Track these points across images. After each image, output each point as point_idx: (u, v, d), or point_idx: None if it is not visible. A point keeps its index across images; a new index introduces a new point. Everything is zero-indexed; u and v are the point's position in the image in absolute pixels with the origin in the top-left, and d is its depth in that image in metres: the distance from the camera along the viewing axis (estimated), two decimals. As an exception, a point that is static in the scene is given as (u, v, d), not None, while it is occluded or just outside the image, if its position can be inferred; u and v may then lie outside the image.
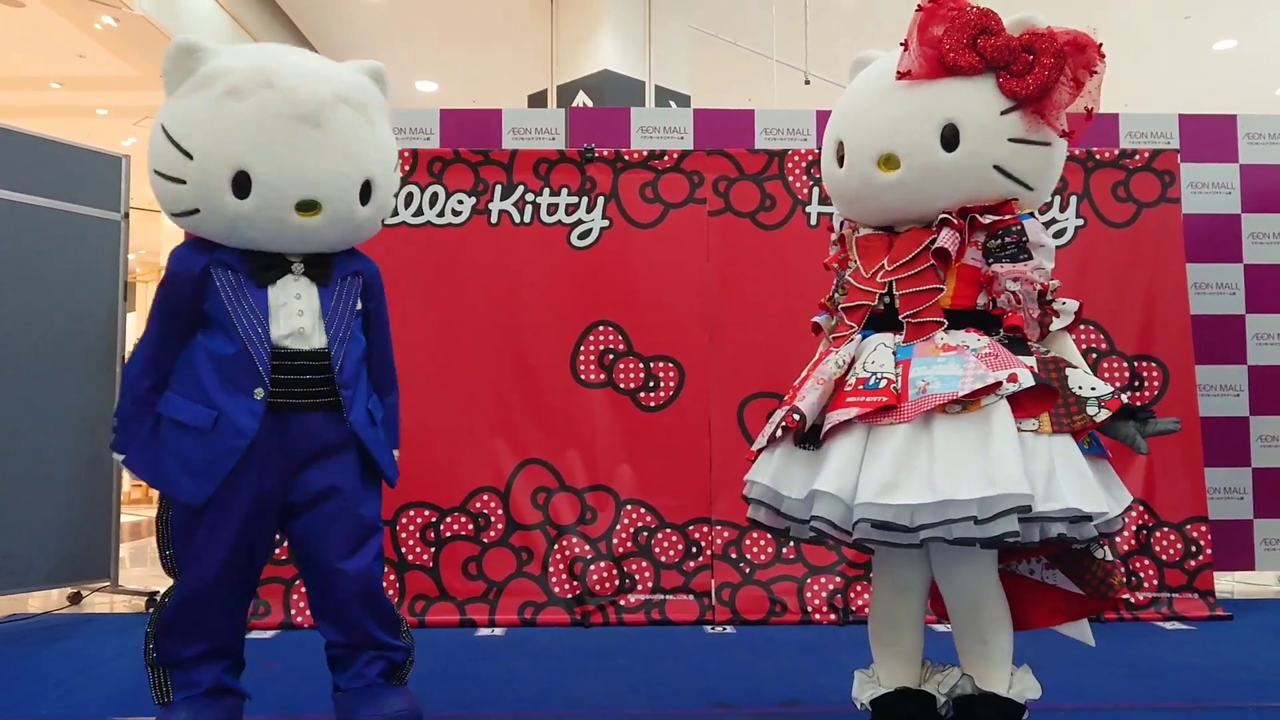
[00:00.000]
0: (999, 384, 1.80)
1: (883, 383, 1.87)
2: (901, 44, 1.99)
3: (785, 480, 1.95)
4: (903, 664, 2.09)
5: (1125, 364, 3.69)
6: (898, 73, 1.98)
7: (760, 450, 2.04)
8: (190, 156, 1.96)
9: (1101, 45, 1.96)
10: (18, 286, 3.64)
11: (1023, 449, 1.78)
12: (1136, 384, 3.69)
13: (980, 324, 1.96)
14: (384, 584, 2.21)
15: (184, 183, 1.97)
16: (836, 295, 2.18)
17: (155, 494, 2.10)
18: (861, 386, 1.90)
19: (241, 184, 1.96)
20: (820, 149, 2.29)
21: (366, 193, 2.09)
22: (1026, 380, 1.81)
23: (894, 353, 1.93)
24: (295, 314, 2.04)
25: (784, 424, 1.91)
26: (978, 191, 1.99)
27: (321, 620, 2.15)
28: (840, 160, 2.11)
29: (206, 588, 2.04)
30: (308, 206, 2.00)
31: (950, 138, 1.95)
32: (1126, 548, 3.56)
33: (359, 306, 2.17)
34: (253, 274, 2.03)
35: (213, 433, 1.96)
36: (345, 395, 2.07)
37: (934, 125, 1.96)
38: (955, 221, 1.97)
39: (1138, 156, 3.77)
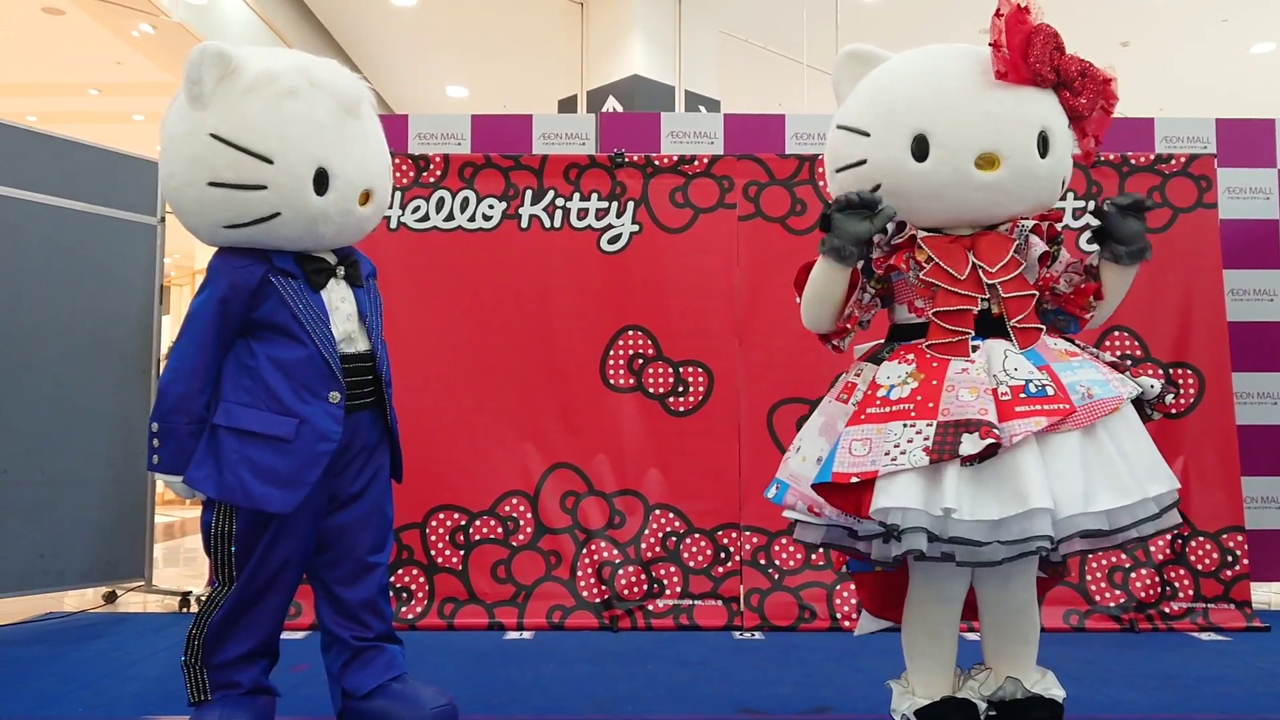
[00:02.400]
0: (1138, 390, 1.92)
1: (1049, 389, 1.85)
2: (992, 44, 1.97)
3: (965, 503, 1.77)
4: (941, 673, 2.07)
5: (1161, 371, 3.64)
6: (997, 72, 1.97)
7: (884, 472, 1.79)
8: (270, 161, 1.94)
9: (1117, 84, 2.04)
10: (55, 290, 3.70)
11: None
12: (1172, 391, 3.64)
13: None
14: None
15: (263, 188, 1.95)
16: (867, 299, 2.09)
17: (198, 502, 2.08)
18: (1023, 395, 1.84)
19: (322, 180, 2.00)
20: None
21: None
22: (1148, 387, 1.95)
23: (1026, 357, 1.92)
24: (345, 318, 2.10)
25: (990, 442, 1.74)
26: (1050, 200, 2.06)
27: (342, 619, 2.17)
28: (921, 154, 1.99)
29: (262, 592, 2.06)
30: (366, 197, 2.09)
31: (1044, 144, 1.98)
32: (1161, 557, 3.52)
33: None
34: (309, 278, 2.06)
35: (296, 440, 1.97)
36: (388, 394, 2.18)
37: (1034, 131, 1.97)
38: (1043, 227, 2.08)
39: (1174, 161, 3.72)
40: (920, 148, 1.98)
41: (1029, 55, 1.95)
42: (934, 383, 1.88)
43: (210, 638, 2.06)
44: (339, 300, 2.10)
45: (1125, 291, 2.07)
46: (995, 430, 1.75)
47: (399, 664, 2.21)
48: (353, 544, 2.15)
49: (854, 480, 1.80)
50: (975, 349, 1.92)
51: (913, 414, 1.84)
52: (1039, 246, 2.04)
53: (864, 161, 2.04)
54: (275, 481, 1.95)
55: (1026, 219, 2.06)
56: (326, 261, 2.10)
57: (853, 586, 3.49)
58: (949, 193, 2.00)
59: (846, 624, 3.43)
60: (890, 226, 2.06)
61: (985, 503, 1.76)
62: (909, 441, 1.80)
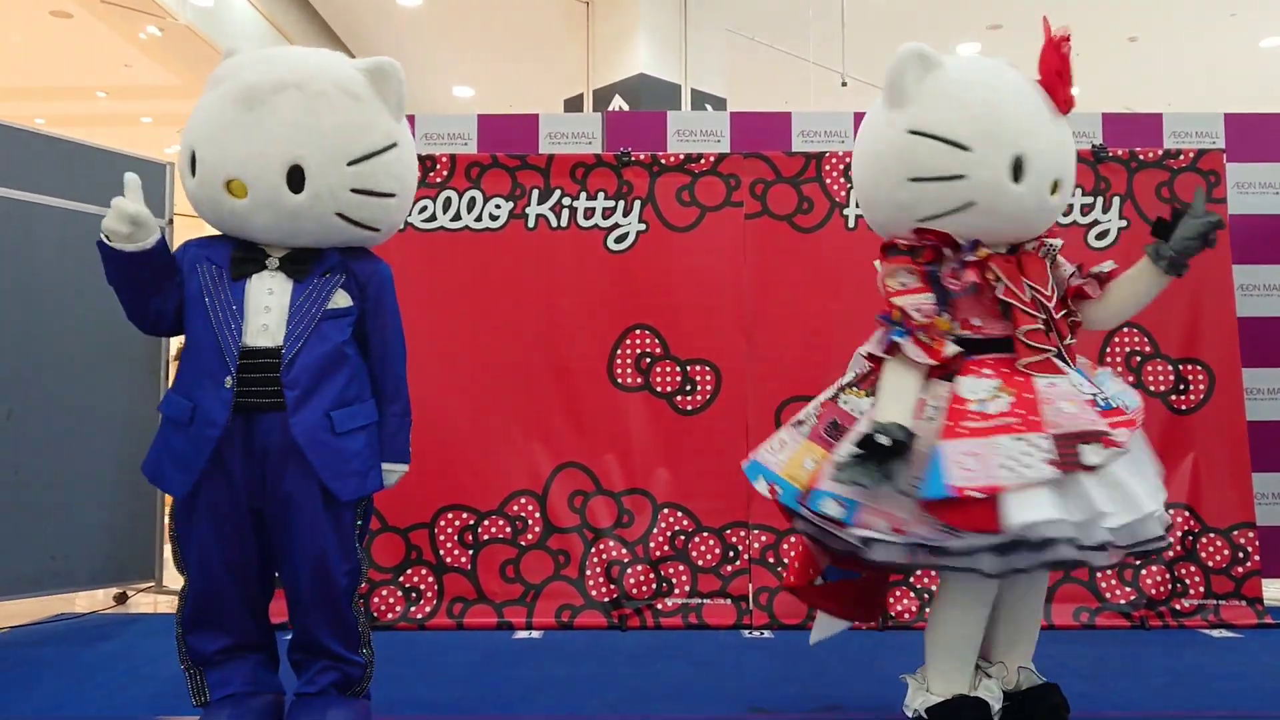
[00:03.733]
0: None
1: (1114, 403, 1.94)
2: (1059, 74, 2.05)
3: (1092, 509, 1.82)
4: (963, 673, 2.09)
5: (1170, 367, 3.63)
6: (1065, 105, 2.08)
7: (1014, 486, 1.81)
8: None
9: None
10: (65, 292, 3.71)
11: None
12: (1182, 388, 3.63)
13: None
14: (352, 598, 2.15)
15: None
16: (946, 318, 2.05)
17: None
18: (1096, 408, 1.94)
19: (193, 164, 2.09)
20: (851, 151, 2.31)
21: (298, 179, 2.03)
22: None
23: (1079, 373, 2.03)
24: (262, 310, 2.04)
25: (1116, 450, 1.84)
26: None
27: (292, 622, 2.16)
28: (1019, 175, 2.00)
29: (210, 582, 2.07)
30: (235, 187, 2.04)
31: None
32: (1171, 554, 3.50)
33: (336, 305, 2.10)
34: (230, 267, 2.08)
35: (190, 424, 2.00)
36: (289, 395, 2.01)
37: (1075, 157, 2.15)
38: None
39: (1182, 156, 3.70)
40: (1018, 170, 2.00)
41: (1068, 84, 2.06)
42: (1028, 396, 1.90)
43: (185, 630, 2.11)
44: (263, 292, 2.06)
45: (1137, 302, 2.16)
46: (1113, 439, 1.82)
47: (319, 682, 2.13)
48: (283, 559, 2.10)
49: (976, 495, 1.78)
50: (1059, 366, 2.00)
51: (1020, 428, 1.84)
52: (1067, 266, 2.13)
53: (961, 177, 2.00)
54: (174, 463, 2.02)
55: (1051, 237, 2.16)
56: (260, 252, 2.09)
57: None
58: (1032, 216, 2.06)
59: (854, 622, 3.42)
60: (964, 244, 2.04)
61: (1118, 510, 1.85)
62: (1025, 454, 1.80)
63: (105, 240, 2.03)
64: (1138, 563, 3.46)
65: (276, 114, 2.01)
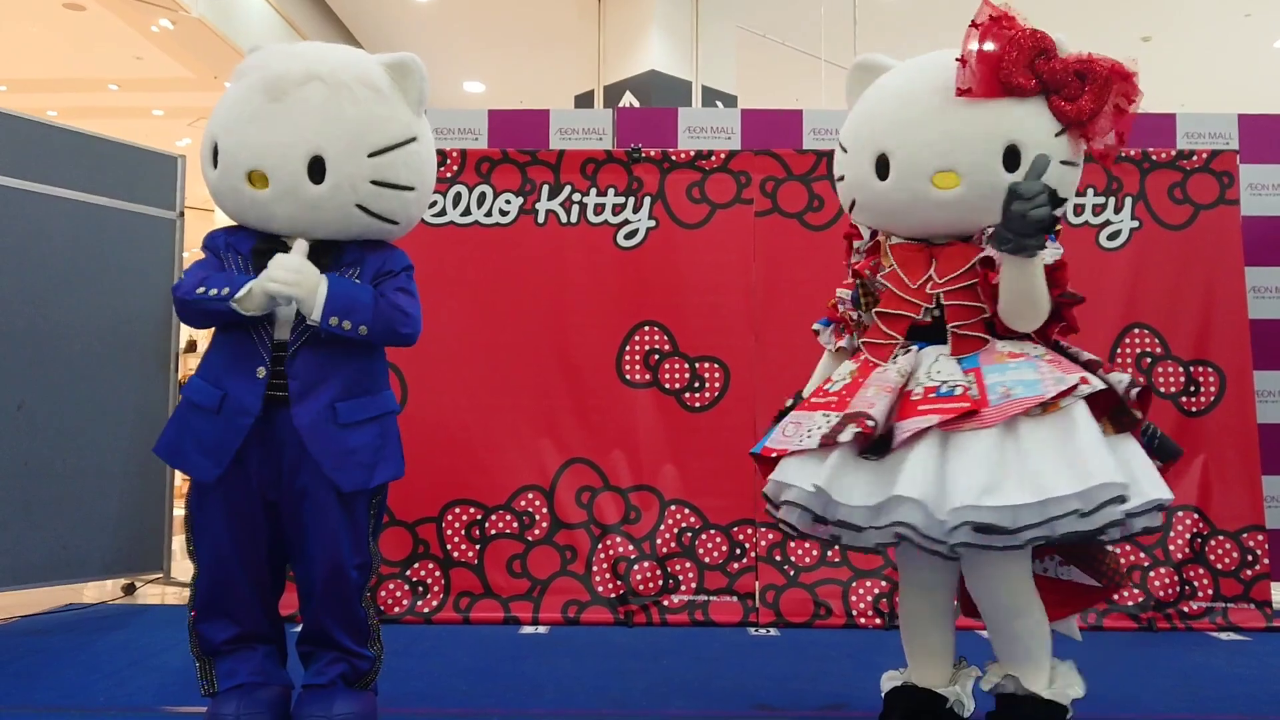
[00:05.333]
0: (1076, 385, 1.85)
1: (958, 390, 1.89)
2: (958, 59, 1.95)
3: (841, 487, 1.88)
4: (934, 663, 2.12)
5: (1181, 369, 3.62)
6: (958, 89, 1.95)
7: (791, 451, 1.99)
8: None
9: (1138, 76, 1.96)
10: (76, 284, 3.73)
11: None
12: (1192, 389, 3.62)
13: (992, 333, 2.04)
14: (363, 593, 2.16)
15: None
16: (859, 303, 2.16)
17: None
18: (933, 395, 1.90)
19: (215, 155, 2.08)
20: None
21: (319, 170, 2.03)
22: (1096, 384, 1.87)
23: (959, 362, 1.97)
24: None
25: (857, 430, 1.85)
26: None
27: (303, 614, 2.17)
28: (883, 172, 2.05)
29: (220, 570, 2.08)
30: (256, 177, 2.04)
31: (1011, 158, 1.95)
32: (1180, 556, 3.49)
33: None
34: (252, 256, 2.07)
35: (219, 412, 2.01)
36: (291, 386, 2.02)
37: (997, 146, 1.95)
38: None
39: (1195, 157, 3.69)
40: (882, 167, 2.04)
41: (1000, 67, 1.92)
42: (860, 380, 2.01)
43: (197, 620, 2.11)
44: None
45: (1021, 289, 1.90)
46: (870, 423, 1.85)
47: (329, 673, 2.13)
48: (294, 552, 2.12)
49: (773, 455, 2.02)
50: (905, 352, 2.00)
51: (834, 405, 1.98)
52: (994, 252, 1.97)
53: (842, 178, 2.17)
54: (201, 449, 2.02)
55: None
56: (281, 243, 2.08)
57: (868, 583, 3.49)
58: (909, 210, 2.05)
59: (862, 621, 3.43)
60: (865, 233, 2.20)
61: (866, 491, 1.87)
62: (817, 428, 1.95)
63: (214, 297, 1.99)
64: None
65: (299, 105, 2.02)
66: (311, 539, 2.07)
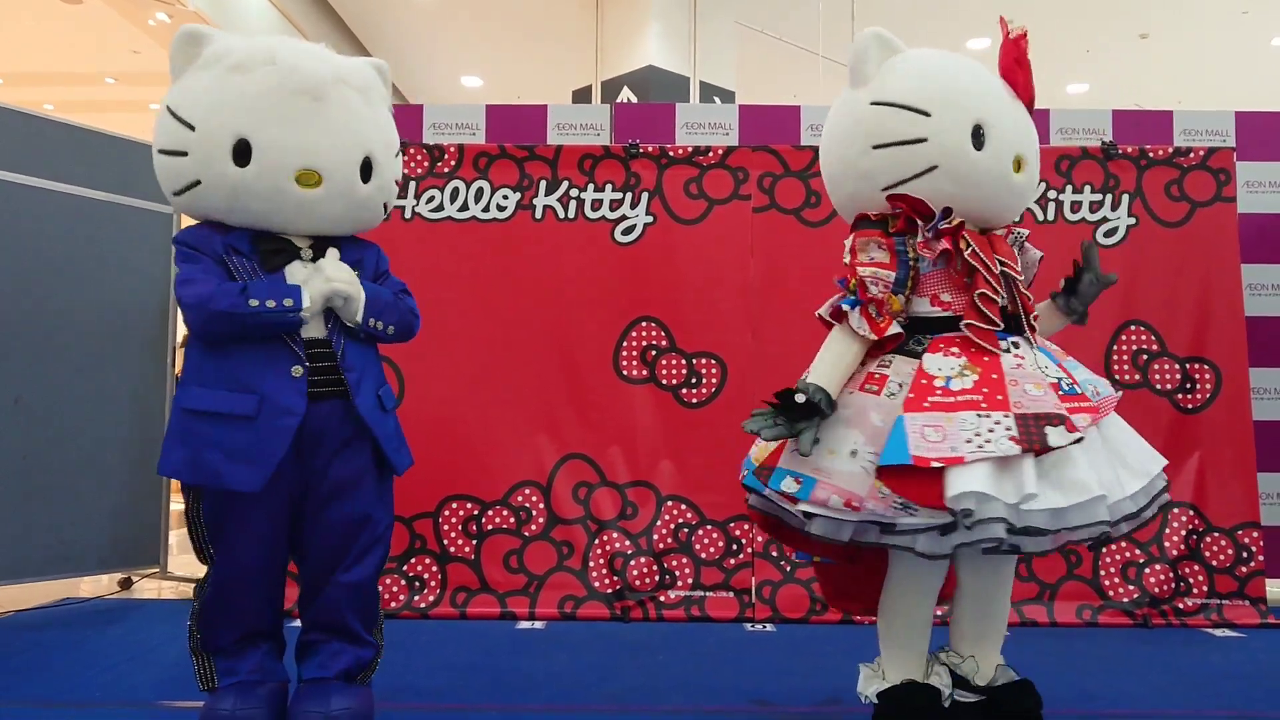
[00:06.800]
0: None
1: (1077, 388, 1.94)
2: (1018, 63, 2.10)
3: (1021, 490, 1.78)
4: (916, 661, 2.12)
5: (1177, 366, 3.62)
6: (1026, 90, 2.12)
7: (973, 459, 1.77)
8: (192, 128, 2.00)
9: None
10: (72, 278, 3.71)
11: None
12: (1188, 386, 3.62)
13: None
14: (378, 585, 2.20)
15: (185, 154, 2.01)
16: (904, 285, 2.03)
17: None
18: (1059, 392, 1.91)
19: (242, 152, 1.98)
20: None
21: (367, 170, 2.10)
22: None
23: (1045, 354, 2.02)
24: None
25: (1077, 436, 1.80)
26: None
27: (304, 613, 2.17)
28: (980, 141, 2.01)
29: (240, 575, 2.06)
30: (308, 177, 2.02)
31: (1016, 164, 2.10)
32: (1175, 552, 3.50)
33: None
34: (262, 258, 2.04)
35: (259, 417, 1.95)
36: (350, 378, 2.05)
37: (1037, 144, 2.16)
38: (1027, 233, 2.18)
39: (1192, 154, 3.69)
40: (978, 137, 2.01)
41: (1027, 77, 2.11)
42: (994, 376, 1.89)
43: (204, 620, 2.09)
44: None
45: (1046, 331, 2.18)
46: (1074, 424, 1.81)
47: (331, 667, 2.14)
48: (321, 554, 2.11)
49: (934, 465, 1.76)
50: (1009, 342, 1.98)
51: (984, 405, 1.83)
52: (1035, 252, 2.16)
53: (923, 140, 2.00)
54: (238, 459, 1.94)
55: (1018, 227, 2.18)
56: (289, 243, 2.08)
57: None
58: (994, 186, 2.05)
59: (857, 617, 3.43)
60: (937, 212, 2.01)
61: (1047, 493, 1.78)
62: (990, 431, 1.79)
63: (274, 309, 1.96)
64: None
65: (340, 106, 2.05)
66: (344, 517, 2.09)
